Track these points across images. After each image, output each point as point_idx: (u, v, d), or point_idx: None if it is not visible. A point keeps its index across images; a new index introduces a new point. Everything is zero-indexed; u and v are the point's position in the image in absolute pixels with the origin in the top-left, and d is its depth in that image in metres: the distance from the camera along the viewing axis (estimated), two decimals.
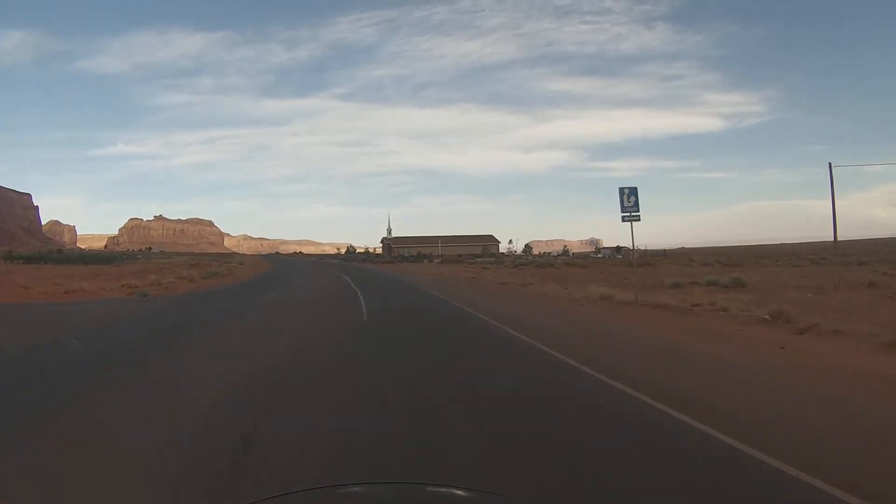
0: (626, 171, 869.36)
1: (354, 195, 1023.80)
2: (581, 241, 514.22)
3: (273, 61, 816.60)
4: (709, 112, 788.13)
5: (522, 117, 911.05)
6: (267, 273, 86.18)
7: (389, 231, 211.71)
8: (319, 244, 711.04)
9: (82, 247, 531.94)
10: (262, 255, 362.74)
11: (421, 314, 27.37)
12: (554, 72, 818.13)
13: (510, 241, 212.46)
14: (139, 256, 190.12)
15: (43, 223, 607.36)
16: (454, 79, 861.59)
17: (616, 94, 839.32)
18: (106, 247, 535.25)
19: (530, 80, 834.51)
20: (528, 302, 33.52)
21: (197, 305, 33.68)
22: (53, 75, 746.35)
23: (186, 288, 48.59)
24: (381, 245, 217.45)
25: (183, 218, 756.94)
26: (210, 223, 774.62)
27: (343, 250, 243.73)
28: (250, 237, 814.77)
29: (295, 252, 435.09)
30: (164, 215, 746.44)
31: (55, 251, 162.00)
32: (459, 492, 2.83)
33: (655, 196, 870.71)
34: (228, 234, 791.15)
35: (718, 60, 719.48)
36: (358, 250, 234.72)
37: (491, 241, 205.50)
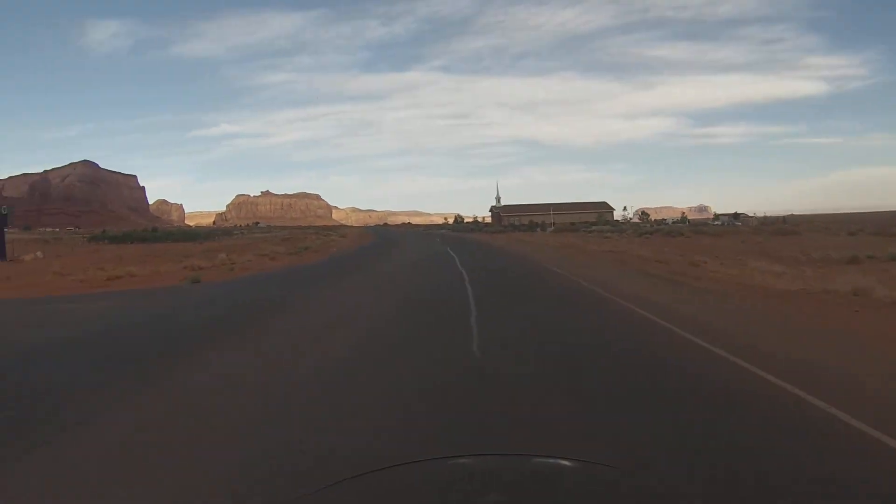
0: (730, 137, 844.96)
1: (459, 167, 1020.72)
2: (689, 208, 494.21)
3: (369, 37, 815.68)
4: (811, 76, 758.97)
5: (623, 85, 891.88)
6: (361, 248, 75.88)
7: (498, 200, 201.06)
8: (427, 215, 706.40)
9: (190, 224, 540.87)
10: (369, 227, 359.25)
11: (601, 356, 12.36)
12: (651, 37, 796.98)
13: (625, 208, 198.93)
14: (235, 232, 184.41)
15: (151, 203, 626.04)
16: (552, 48, 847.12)
17: (716, 59, 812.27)
18: (214, 223, 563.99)
19: (628, 47, 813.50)
20: (774, 309, 17.80)
21: (242, 296, 24.90)
22: (151, 62, 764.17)
23: (261, 267, 41.31)
24: (489, 214, 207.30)
25: (290, 193, 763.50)
26: (317, 197, 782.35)
27: (451, 220, 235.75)
28: (358, 209, 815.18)
29: (403, 223, 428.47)
30: (270, 190, 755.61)
31: (150, 230, 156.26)
32: (566, 462, 2.81)
33: (758, 162, 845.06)
34: (336, 207, 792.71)
35: (818, 22, 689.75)
36: (466, 220, 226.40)
37: (604, 207, 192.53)
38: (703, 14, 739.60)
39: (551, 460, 2.89)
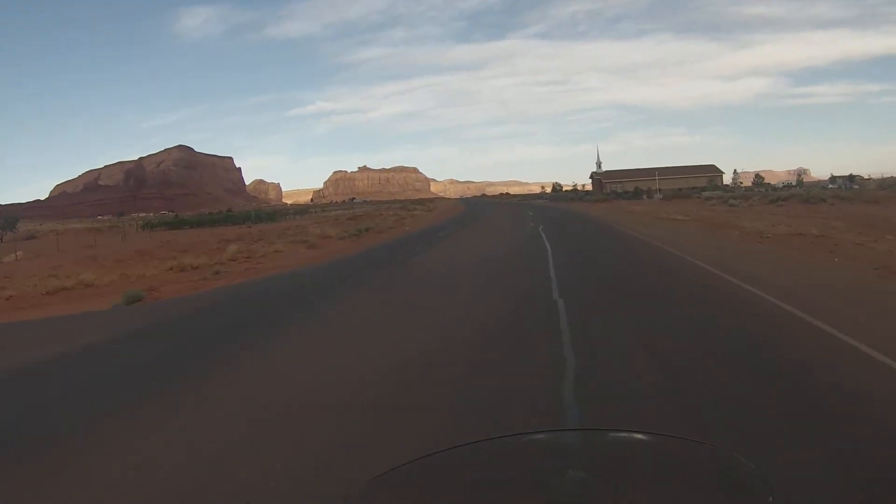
0: (829, 96, 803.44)
1: (556, 134, 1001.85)
2: (788, 171, 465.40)
3: (463, 6, 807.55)
4: None
5: (720, 45, 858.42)
6: (435, 228, 61.38)
7: (599, 165, 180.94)
8: (525, 184, 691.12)
9: (287, 202, 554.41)
10: (463, 198, 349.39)
11: None
12: None
13: (735, 172, 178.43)
14: (312, 210, 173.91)
15: (248, 183, 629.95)
16: (648, 9, 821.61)
17: (815, 14, 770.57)
18: (312, 200, 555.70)
19: (726, 6, 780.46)
20: None
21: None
22: (245, 44, 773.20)
23: (274, 265, 32.96)
24: (590, 181, 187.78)
25: (387, 167, 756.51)
26: (415, 170, 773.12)
27: (549, 189, 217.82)
28: (457, 181, 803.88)
29: (501, 193, 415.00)
30: (367, 165, 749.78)
31: (224, 211, 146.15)
32: (642, 436, 2.79)
33: (857, 123, 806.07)
34: (434, 180, 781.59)
35: None
36: (565, 188, 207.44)
37: (713, 171, 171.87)
38: None
39: (627, 434, 2.93)
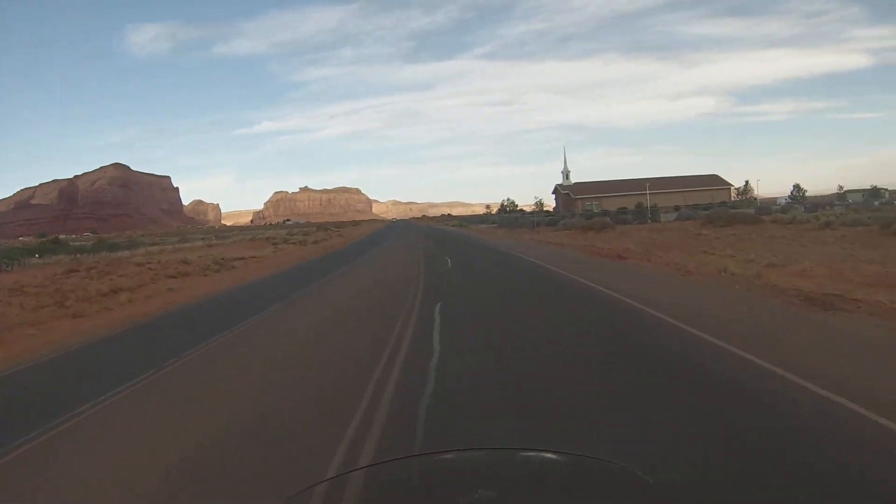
0: (776, 114, 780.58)
1: (504, 154, 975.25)
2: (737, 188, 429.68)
3: (412, 27, 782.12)
4: (856, 48, 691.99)
5: (667, 64, 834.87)
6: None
7: (566, 176, 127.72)
8: (469, 204, 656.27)
9: (227, 223, 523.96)
10: (395, 221, 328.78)
11: None
12: (694, 15, 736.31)
13: (746, 183, 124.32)
14: (202, 237, 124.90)
15: (186, 204, 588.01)
16: (595, 30, 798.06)
17: (761, 34, 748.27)
18: (252, 221, 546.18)
19: (673, 26, 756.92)
20: None
21: None
22: (193, 62, 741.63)
23: None
24: (553, 197, 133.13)
25: (329, 188, 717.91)
26: (357, 191, 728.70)
27: (493, 210, 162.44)
28: (399, 202, 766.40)
29: (443, 214, 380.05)
30: (309, 186, 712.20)
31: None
32: (552, 455, 2.86)
33: (804, 139, 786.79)
34: (377, 201, 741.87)
35: None
36: (523, 207, 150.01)
37: (718, 183, 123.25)
38: None
39: (538, 454, 2.93)
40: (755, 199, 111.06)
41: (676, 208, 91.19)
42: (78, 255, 61.79)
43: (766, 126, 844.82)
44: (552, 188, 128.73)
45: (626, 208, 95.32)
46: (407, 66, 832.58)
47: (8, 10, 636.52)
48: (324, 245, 72.32)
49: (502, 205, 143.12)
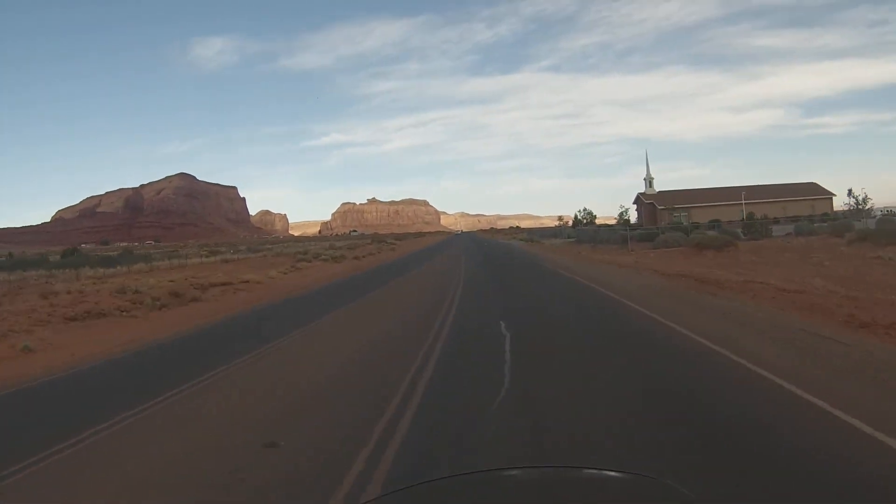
0: (841, 126, 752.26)
1: (570, 167, 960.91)
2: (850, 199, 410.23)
3: (476, 40, 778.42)
4: None
5: (730, 76, 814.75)
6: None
7: (649, 183, 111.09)
8: (538, 217, 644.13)
9: (295, 234, 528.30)
10: (457, 233, 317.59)
11: None
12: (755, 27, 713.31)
13: (849, 191, 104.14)
14: (234, 249, 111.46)
15: (253, 214, 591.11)
16: (657, 42, 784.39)
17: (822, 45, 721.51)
18: (319, 232, 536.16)
19: (734, 38, 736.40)
20: None
21: None
22: (259, 75, 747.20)
23: None
24: (635, 207, 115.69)
25: (397, 199, 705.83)
26: (425, 202, 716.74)
27: (567, 221, 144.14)
28: (467, 214, 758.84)
29: (512, 227, 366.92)
30: (377, 198, 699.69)
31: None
32: (613, 473, 2.86)
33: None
34: (445, 213, 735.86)
35: None
36: (602, 220, 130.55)
37: (817, 192, 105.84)
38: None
39: (600, 472, 2.93)
40: (869, 209, 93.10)
41: (775, 220, 76.14)
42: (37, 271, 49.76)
43: (832, 138, 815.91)
44: (623, 200, 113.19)
45: (718, 221, 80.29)
46: (472, 78, 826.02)
47: (78, 21, 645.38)
48: (361, 263, 60.70)
49: (576, 217, 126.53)
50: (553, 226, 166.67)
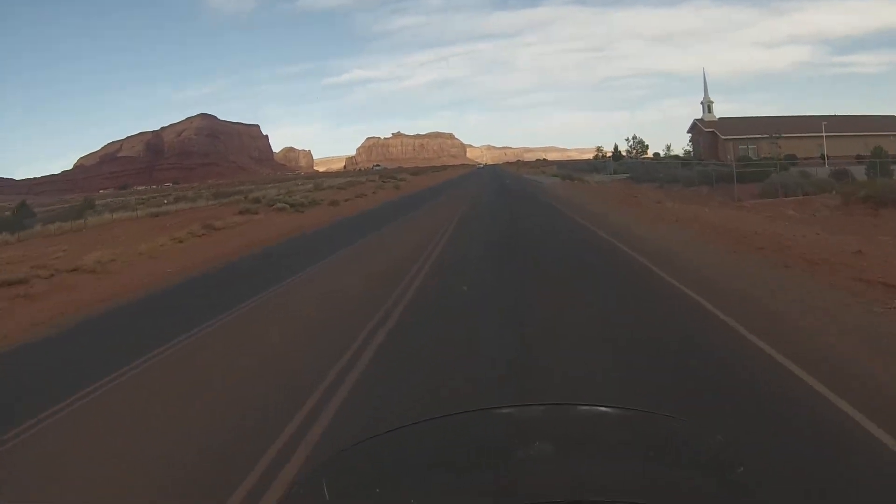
0: (873, 66, 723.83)
1: (594, 101, 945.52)
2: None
3: None
4: None
5: (760, 11, 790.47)
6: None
7: (708, 108, 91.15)
8: (564, 150, 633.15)
9: (320, 169, 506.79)
10: (480, 166, 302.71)
11: None
12: None
13: None
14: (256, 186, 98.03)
15: (277, 151, 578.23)
16: None
17: None
18: (345, 167, 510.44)
19: None
20: None
21: None
22: (278, 15, 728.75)
23: None
24: (688, 139, 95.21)
25: (422, 133, 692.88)
26: (450, 136, 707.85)
27: (602, 154, 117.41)
28: (493, 147, 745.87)
29: (538, 159, 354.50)
30: (402, 132, 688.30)
31: None
32: (606, 409, 2.86)
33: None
34: (471, 146, 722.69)
35: None
36: (651, 153, 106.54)
37: None
38: None
39: (593, 408, 2.90)
40: None
41: (858, 158, 61.24)
42: None
43: (861, 77, 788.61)
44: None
45: (794, 156, 65.35)
46: (495, 12, 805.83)
47: None
48: (335, 212, 48.25)
49: (615, 149, 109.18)
50: (586, 159, 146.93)
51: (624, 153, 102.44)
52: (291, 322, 13.67)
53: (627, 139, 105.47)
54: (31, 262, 26.11)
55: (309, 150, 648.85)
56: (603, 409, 2.77)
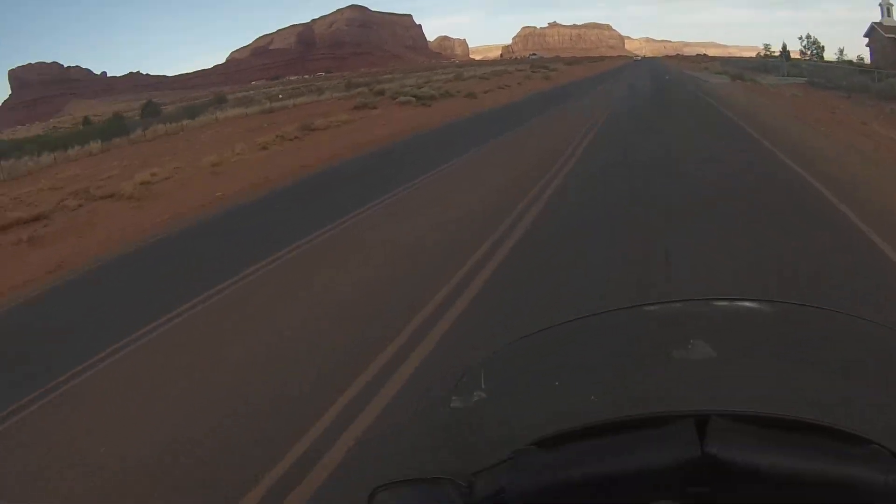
0: None
1: None
2: None
3: None
4: None
5: None
6: None
7: (887, 10, 72.63)
8: (724, 46, 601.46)
9: (476, 58, 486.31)
10: (639, 59, 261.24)
11: None
12: None
13: None
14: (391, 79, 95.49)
15: (431, 40, 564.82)
16: None
17: None
18: (501, 56, 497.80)
19: None
20: None
21: None
22: None
23: None
24: (866, 42, 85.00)
25: (579, 23, 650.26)
26: (608, 27, 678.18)
27: (768, 52, 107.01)
28: (652, 40, 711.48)
29: (698, 54, 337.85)
30: (558, 21, 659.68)
31: None
32: (746, 303, 2.66)
33: None
34: (629, 38, 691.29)
35: None
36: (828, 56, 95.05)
37: None
38: None
39: (735, 303, 2.72)
40: None
41: None
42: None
43: None
44: (831, 36, 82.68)
45: None
46: None
47: None
48: (473, 104, 45.13)
49: (783, 48, 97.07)
50: (748, 57, 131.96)
51: (798, 54, 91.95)
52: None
53: (801, 38, 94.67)
54: (79, 182, 25.44)
55: (464, 39, 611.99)
56: (744, 303, 2.47)
